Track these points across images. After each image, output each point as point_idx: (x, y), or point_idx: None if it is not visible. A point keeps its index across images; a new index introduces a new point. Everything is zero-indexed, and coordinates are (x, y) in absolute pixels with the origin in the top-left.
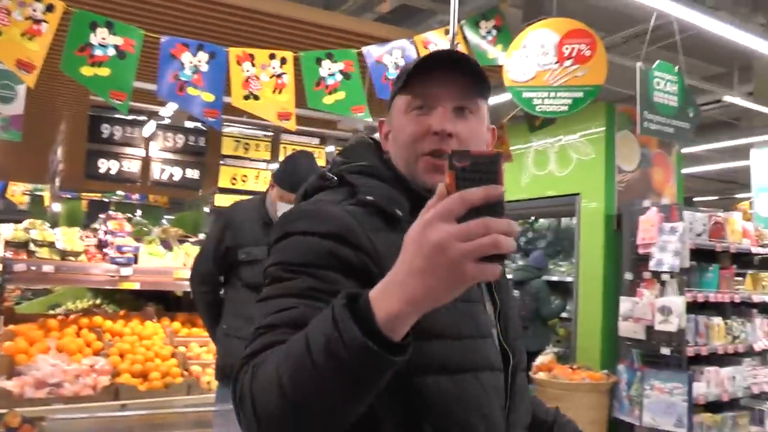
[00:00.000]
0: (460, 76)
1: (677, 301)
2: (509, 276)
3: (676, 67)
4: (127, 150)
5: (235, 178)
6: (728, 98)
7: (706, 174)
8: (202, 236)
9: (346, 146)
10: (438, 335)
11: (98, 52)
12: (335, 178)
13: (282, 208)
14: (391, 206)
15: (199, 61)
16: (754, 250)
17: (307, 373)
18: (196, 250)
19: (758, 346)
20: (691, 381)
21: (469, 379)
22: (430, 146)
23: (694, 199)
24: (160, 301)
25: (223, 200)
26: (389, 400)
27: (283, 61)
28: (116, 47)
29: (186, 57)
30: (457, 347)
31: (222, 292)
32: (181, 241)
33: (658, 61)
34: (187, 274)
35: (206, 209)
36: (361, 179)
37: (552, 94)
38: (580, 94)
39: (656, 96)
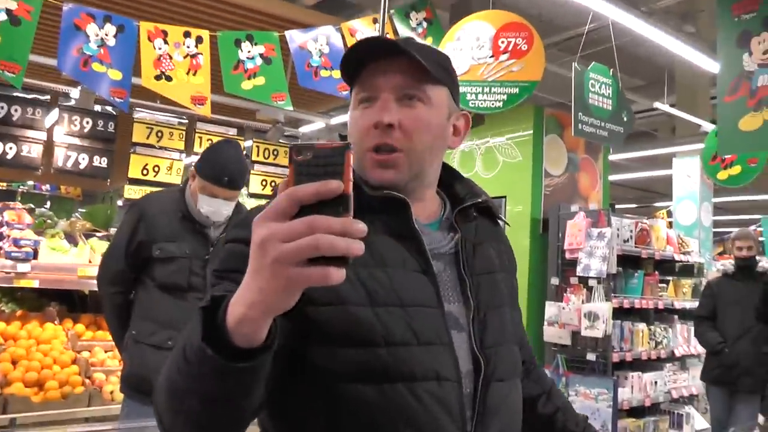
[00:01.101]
0: (405, 61)
1: (604, 307)
2: None
3: (611, 71)
4: (28, 133)
5: (146, 169)
6: (658, 105)
7: (625, 182)
8: (113, 231)
9: None
10: (360, 342)
11: None
12: None
13: (204, 200)
14: None
15: (106, 35)
16: (677, 257)
17: (175, 378)
18: (104, 246)
19: (679, 352)
20: (616, 387)
21: (399, 390)
22: (372, 141)
23: (616, 207)
24: (65, 301)
25: (133, 192)
26: (313, 406)
27: (199, 40)
28: (8, 11)
29: (92, 29)
30: (383, 355)
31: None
32: (89, 236)
33: (593, 63)
34: (94, 271)
35: (120, 202)
36: None
37: (486, 90)
38: (515, 90)
39: (591, 98)
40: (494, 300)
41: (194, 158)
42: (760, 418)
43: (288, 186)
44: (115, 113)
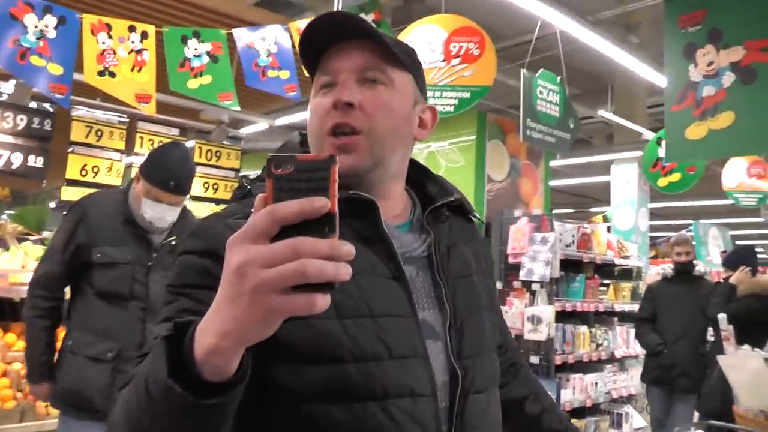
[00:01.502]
0: (368, 42)
1: (547, 311)
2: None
3: (559, 78)
4: None
5: (85, 169)
6: (602, 113)
7: (562, 188)
8: (47, 234)
9: (277, 148)
10: (327, 358)
11: None
12: (248, 187)
13: (148, 205)
14: None
15: (46, 26)
16: (617, 261)
17: (135, 415)
18: (39, 250)
19: (618, 353)
20: (559, 388)
21: (371, 409)
22: (331, 121)
23: (553, 212)
24: None
25: (70, 194)
26: (276, 429)
27: (144, 35)
28: None
29: (30, 19)
30: (352, 372)
31: (68, 307)
32: (21, 240)
33: (541, 70)
34: (27, 278)
35: (52, 204)
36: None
37: (438, 94)
38: (466, 95)
39: (539, 105)
40: (472, 305)
41: (135, 159)
42: (696, 416)
43: (267, 203)
44: (52, 110)
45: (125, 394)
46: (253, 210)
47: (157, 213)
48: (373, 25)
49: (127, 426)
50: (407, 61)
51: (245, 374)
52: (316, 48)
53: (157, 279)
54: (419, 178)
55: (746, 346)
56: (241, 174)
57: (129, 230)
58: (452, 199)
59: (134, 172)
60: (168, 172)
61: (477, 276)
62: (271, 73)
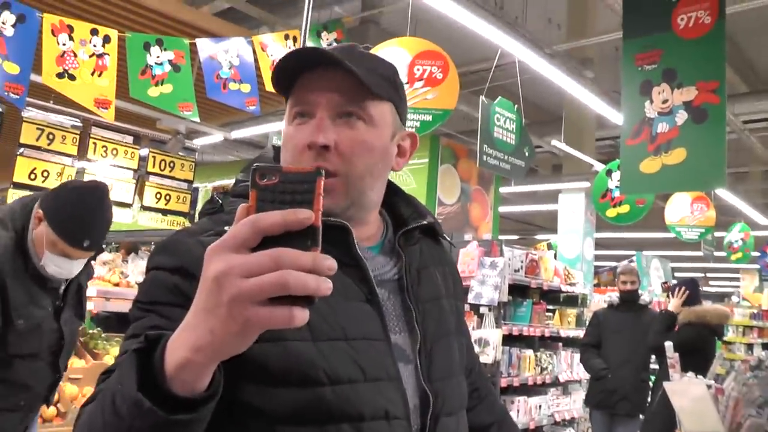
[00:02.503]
0: (342, 75)
1: (494, 334)
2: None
3: (515, 106)
4: None
5: (34, 173)
6: (555, 143)
7: (508, 215)
8: None
9: (250, 161)
10: (302, 380)
11: None
12: (220, 201)
13: (52, 260)
14: None
15: (4, 23)
16: (563, 288)
17: (100, 431)
18: None
19: (562, 377)
20: None
21: (345, 431)
22: (306, 164)
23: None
24: None
25: (17, 197)
26: None
27: (107, 39)
28: None
29: None
30: (327, 394)
31: None
32: None
33: (499, 98)
34: None
35: None
36: (237, 203)
37: None
38: (428, 118)
39: (496, 131)
40: (441, 329)
41: (87, 164)
42: None
43: (249, 213)
44: (1, 110)
45: (89, 411)
46: (235, 220)
47: (63, 269)
48: (361, 49)
49: None
50: (386, 90)
51: (217, 391)
52: (290, 74)
53: (67, 318)
54: (391, 198)
55: (690, 373)
56: (194, 186)
57: (36, 281)
58: (425, 222)
59: (222, 258)
60: (82, 228)
61: (446, 299)
62: (232, 86)
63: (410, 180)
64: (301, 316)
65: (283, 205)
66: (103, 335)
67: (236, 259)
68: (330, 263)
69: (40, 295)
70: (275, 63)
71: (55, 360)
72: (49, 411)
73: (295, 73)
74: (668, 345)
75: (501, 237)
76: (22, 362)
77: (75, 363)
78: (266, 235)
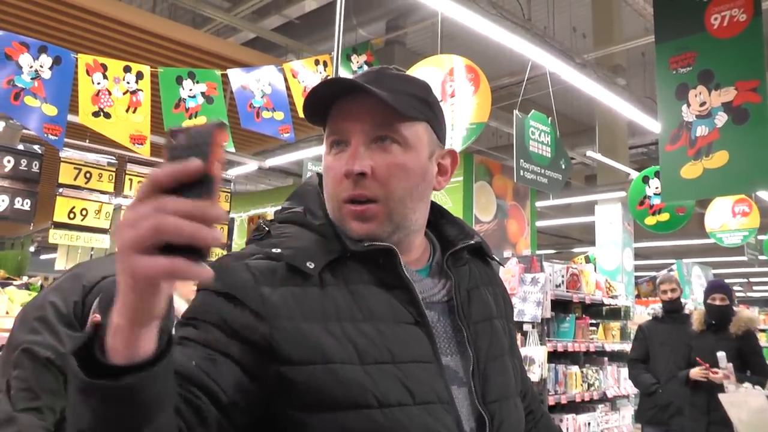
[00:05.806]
0: (372, 100)
1: (539, 351)
2: None
3: (549, 119)
4: None
5: (73, 212)
6: (591, 153)
7: (545, 229)
8: (27, 279)
9: (296, 189)
10: (351, 404)
11: None
12: (266, 228)
13: None
14: (300, 260)
15: (41, 66)
16: (606, 301)
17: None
18: (24, 295)
19: (610, 393)
20: None
21: None
22: (346, 192)
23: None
24: None
25: (58, 237)
26: None
27: (140, 75)
28: None
29: (25, 59)
30: (378, 418)
31: None
32: (5, 284)
33: (533, 111)
34: (9, 324)
35: (32, 248)
36: (284, 228)
37: None
38: (464, 132)
39: (531, 145)
40: (494, 349)
41: (124, 201)
42: None
43: None
44: (40, 152)
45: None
46: None
47: None
48: (393, 70)
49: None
50: (420, 110)
51: (159, 359)
52: (320, 106)
53: None
54: (438, 220)
55: (747, 384)
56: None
57: None
58: (473, 242)
59: (123, 214)
60: None
61: (498, 319)
62: (265, 114)
63: (446, 199)
64: (188, 269)
65: (184, 160)
66: None
67: (128, 213)
68: (217, 212)
69: None
70: (305, 98)
71: None
72: None
73: (326, 104)
74: (721, 356)
75: (539, 252)
76: None
77: None
78: (164, 189)
